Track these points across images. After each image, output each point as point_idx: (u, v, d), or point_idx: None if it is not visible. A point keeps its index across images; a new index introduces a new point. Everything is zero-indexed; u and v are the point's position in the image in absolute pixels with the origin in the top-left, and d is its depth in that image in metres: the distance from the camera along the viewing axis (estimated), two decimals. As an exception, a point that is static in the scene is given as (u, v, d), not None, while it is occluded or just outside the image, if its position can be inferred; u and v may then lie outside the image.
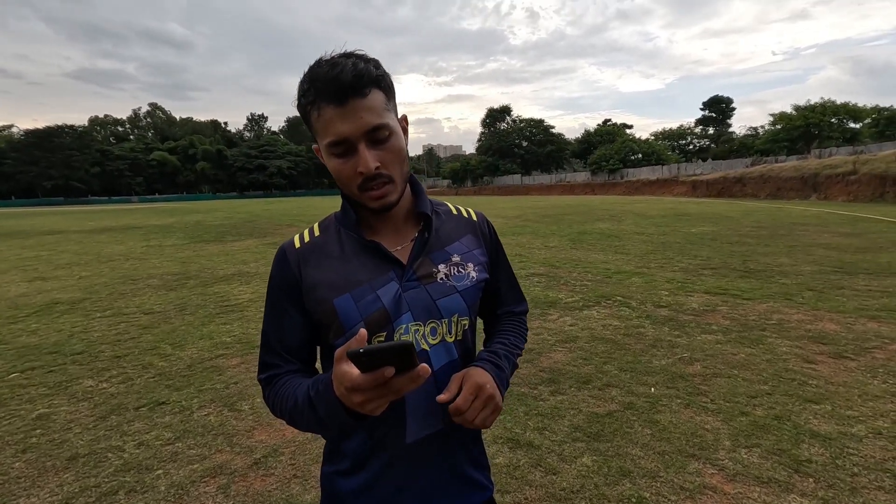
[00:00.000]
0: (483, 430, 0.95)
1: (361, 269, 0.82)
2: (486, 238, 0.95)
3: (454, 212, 0.95)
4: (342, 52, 0.76)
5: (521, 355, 0.97)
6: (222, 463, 2.44)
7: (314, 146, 0.83)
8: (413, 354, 0.58)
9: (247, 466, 2.41)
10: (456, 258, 0.87)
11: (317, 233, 0.89)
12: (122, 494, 2.21)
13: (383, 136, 0.75)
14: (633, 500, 2.07)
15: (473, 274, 0.87)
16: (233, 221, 19.69)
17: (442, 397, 0.77)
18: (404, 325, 0.80)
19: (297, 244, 0.87)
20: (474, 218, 0.96)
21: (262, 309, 5.15)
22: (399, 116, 0.83)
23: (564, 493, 2.14)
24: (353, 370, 0.60)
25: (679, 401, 2.95)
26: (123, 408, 3.09)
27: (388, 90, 0.78)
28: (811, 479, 2.15)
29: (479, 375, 0.79)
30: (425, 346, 0.81)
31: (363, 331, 0.62)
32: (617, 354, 3.75)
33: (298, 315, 0.84)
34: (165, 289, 6.77)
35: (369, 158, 0.74)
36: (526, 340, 1.01)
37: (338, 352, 0.63)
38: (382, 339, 0.80)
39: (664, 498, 2.07)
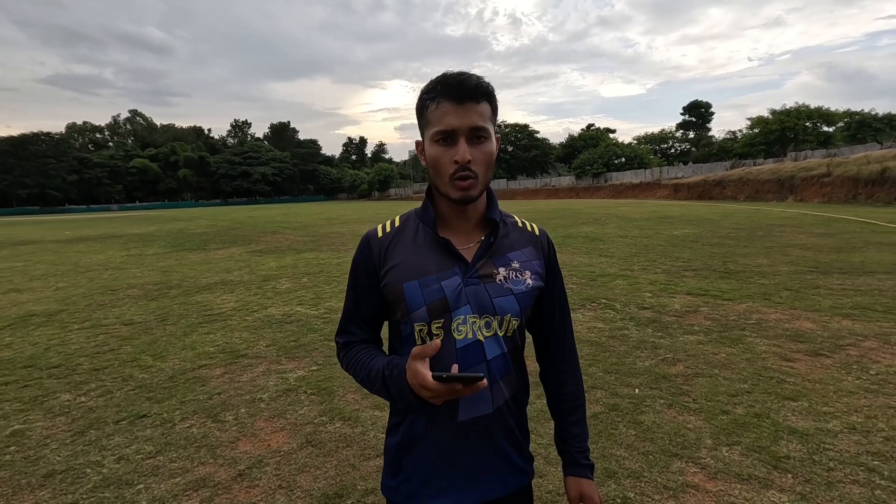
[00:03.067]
0: (525, 428, 1.07)
1: (431, 260, 0.93)
2: (545, 253, 1.04)
3: (520, 224, 1.06)
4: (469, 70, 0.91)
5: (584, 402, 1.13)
6: (205, 476, 2.40)
7: (417, 141, 0.97)
8: (479, 379, 0.74)
9: (230, 478, 2.37)
10: (515, 264, 0.97)
11: (397, 224, 1.01)
12: (101, 511, 2.15)
13: (482, 136, 0.89)
14: (618, 500, 2.09)
15: (529, 281, 0.96)
16: (216, 229, 19.41)
17: None
18: (462, 316, 0.90)
19: (380, 234, 1.00)
20: (537, 233, 1.06)
21: (246, 318, 5.10)
22: (496, 136, 0.96)
23: (551, 496, 2.15)
24: (428, 375, 0.77)
25: (662, 401, 3.00)
26: (102, 422, 3.01)
27: (495, 110, 0.94)
28: (789, 475, 2.20)
29: (593, 492, 1.03)
30: (480, 337, 0.91)
31: (437, 341, 0.81)
32: (602, 356, 3.79)
33: (373, 293, 0.98)
34: (146, 299, 6.63)
35: (466, 151, 0.86)
36: (583, 386, 1.13)
37: (414, 350, 0.81)
38: (440, 324, 0.90)
39: (648, 497, 2.10)
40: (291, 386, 3.46)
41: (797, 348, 3.79)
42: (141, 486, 2.33)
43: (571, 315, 1.16)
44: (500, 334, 0.92)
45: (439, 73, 0.90)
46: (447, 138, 0.87)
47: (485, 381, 0.75)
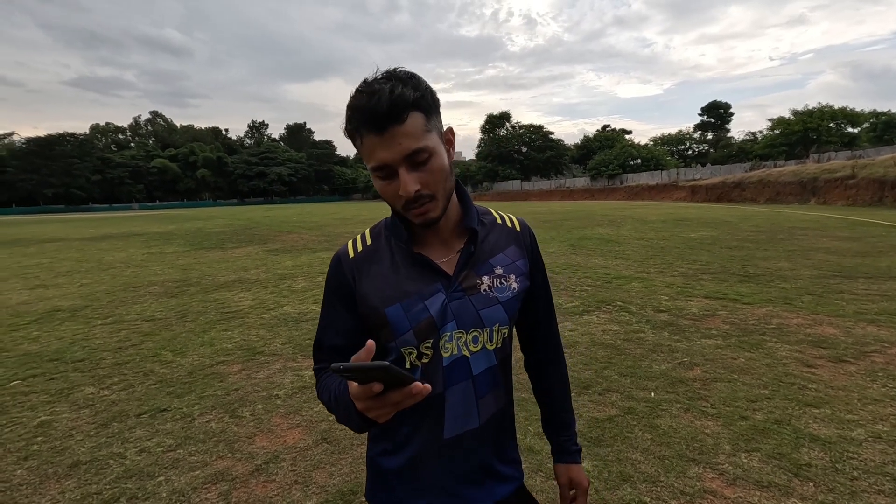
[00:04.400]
0: (513, 436, 1.04)
1: (411, 280, 0.87)
2: (528, 248, 0.99)
3: (499, 221, 0.99)
4: (384, 72, 0.77)
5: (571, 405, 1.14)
6: (223, 469, 2.45)
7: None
8: (392, 374, 0.62)
9: (248, 473, 2.41)
10: (499, 270, 0.92)
11: (368, 241, 0.94)
12: (124, 501, 2.21)
13: (423, 158, 0.77)
14: (634, 504, 2.07)
15: (515, 285, 0.92)
16: (233, 228, 19.74)
17: None
18: (448, 333, 0.86)
19: (351, 253, 0.93)
20: (517, 228, 0.99)
21: (263, 316, 5.17)
22: (444, 130, 0.85)
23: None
24: (351, 383, 0.65)
25: (679, 405, 2.96)
26: (125, 415, 3.09)
27: (429, 108, 0.79)
28: (811, 483, 2.15)
29: (581, 476, 1.04)
30: (466, 353, 0.87)
31: (371, 342, 0.64)
32: (617, 359, 3.76)
33: (350, 318, 0.91)
34: (166, 296, 6.78)
35: (409, 182, 0.77)
36: (569, 384, 1.14)
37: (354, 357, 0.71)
38: (429, 345, 0.85)
39: (664, 502, 2.08)
40: (307, 384, 3.51)
41: (819, 354, 3.70)
42: (161, 478, 2.39)
43: (585, 317, 1.15)
44: (490, 347, 0.88)
45: (354, 89, 0.77)
46: (385, 173, 0.78)
47: (419, 384, 0.63)
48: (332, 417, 2.97)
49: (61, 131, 70.54)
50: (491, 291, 0.89)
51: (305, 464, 2.49)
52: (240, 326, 5.08)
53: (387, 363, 0.60)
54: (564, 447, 1.06)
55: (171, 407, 3.19)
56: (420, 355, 0.86)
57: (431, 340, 0.85)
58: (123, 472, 2.44)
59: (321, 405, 3.10)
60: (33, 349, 4.52)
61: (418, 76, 0.79)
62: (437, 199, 0.81)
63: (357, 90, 0.77)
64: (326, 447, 2.64)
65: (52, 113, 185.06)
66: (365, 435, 1.01)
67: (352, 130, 0.78)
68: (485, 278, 0.89)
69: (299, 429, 2.86)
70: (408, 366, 0.86)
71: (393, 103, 0.73)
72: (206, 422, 2.98)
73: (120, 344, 4.61)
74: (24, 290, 7.62)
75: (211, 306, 6.04)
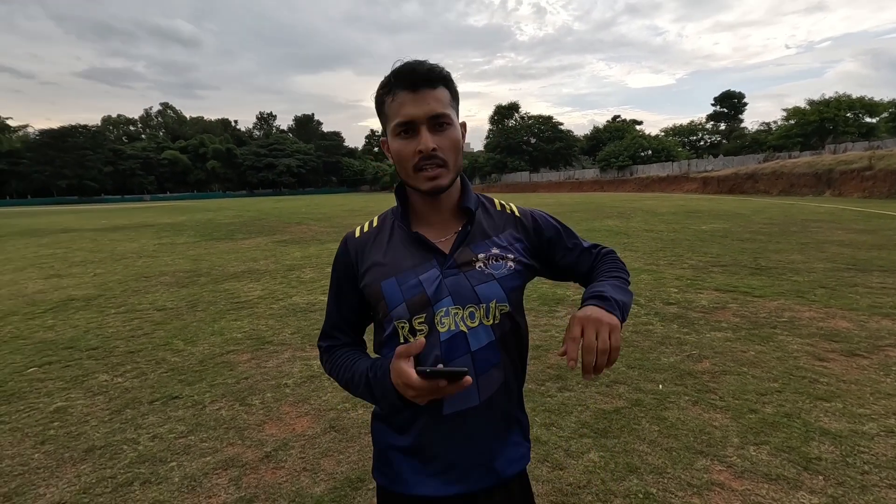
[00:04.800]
0: (520, 412, 1.00)
1: (407, 256, 0.91)
2: (530, 229, 1.00)
3: (498, 207, 1.03)
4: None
5: (628, 283, 0.95)
6: (234, 456, 2.49)
7: (382, 140, 0.95)
8: (464, 374, 0.71)
9: (258, 459, 2.45)
10: (495, 250, 0.94)
11: (375, 224, 1.00)
12: (137, 485, 2.27)
13: (444, 122, 0.86)
14: (640, 495, 2.07)
15: (511, 264, 0.94)
16: (243, 219, 19.89)
17: (560, 352, 0.76)
18: (444, 308, 0.87)
19: (358, 234, 0.99)
20: (517, 213, 1.02)
21: (272, 306, 5.22)
22: (460, 122, 0.93)
23: (571, 488, 2.15)
24: (412, 373, 0.74)
25: (687, 398, 2.95)
26: (138, 402, 3.15)
27: (454, 94, 0.90)
28: (821, 477, 2.14)
29: (584, 311, 0.79)
30: (464, 328, 0.88)
31: (422, 339, 0.77)
32: (625, 351, 3.74)
33: (354, 295, 0.97)
34: (177, 286, 6.87)
35: (429, 139, 0.84)
36: (626, 270, 1.01)
37: (398, 349, 0.77)
38: (422, 319, 0.88)
39: (671, 494, 2.08)
40: (315, 373, 3.54)
41: (832, 348, 3.65)
42: (174, 463, 2.44)
43: None
44: (487, 323, 0.89)
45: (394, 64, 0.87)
46: (408, 129, 0.85)
47: (469, 378, 0.72)
48: (341, 406, 2.99)
49: (74, 123, 71.34)
50: (486, 268, 0.91)
51: (314, 451, 2.52)
52: (249, 316, 5.14)
53: (466, 369, 0.72)
54: (595, 293, 0.85)
55: (182, 394, 3.25)
56: (413, 330, 0.88)
57: (424, 315, 0.87)
58: (137, 458, 2.49)
59: (328, 395, 3.15)
60: (49, 337, 4.62)
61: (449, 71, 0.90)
62: (449, 168, 0.87)
63: (399, 62, 0.87)
64: (334, 435, 2.67)
65: (65, 105, 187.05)
66: (370, 423, 1.02)
67: (385, 91, 0.87)
68: (480, 255, 0.92)
69: (307, 417, 2.90)
70: (401, 340, 0.88)
71: (430, 69, 0.85)
72: (217, 409, 3.02)
73: (132, 332, 4.68)
74: (39, 279, 7.77)
75: (221, 296, 6.12)
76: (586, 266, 1.04)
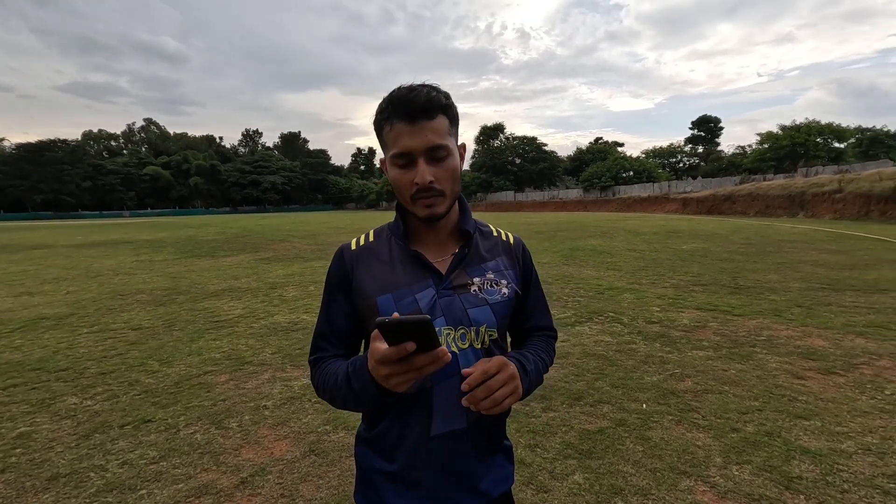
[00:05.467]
0: (505, 437, 1.02)
1: (404, 274, 0.92)
2: (520, 261, 1.02)
3: (494, 233, 1.05)
4: (421, 82, 0.87)
5: (545, 371, 1.01)
6: (208, 482, 2.39)
7: (381, 159, 0.95)
8: (431, 331, 0.65)
9: (233, 486, 2.36)
10: (490, 274, 0.95)
11: (371, 238, 1.00)
12: (104, 516, 2.15)
13: (441, 154, 0.86)
14: (625, 518, 2.05)
15: (505, 290, 0.95)
16: (225, 236, 19.60)
17: (466, 371, 0.83)
18: (437, 328, 0.86)
19: (354, 246, 0.99)
20: (511, 241, 1.04)
21: (253, 325, 5.09)
22: (459, 144, 0.94)
23: (556, 511, 2.11)
24: (382, 345, 0.69)
25: (671, 417, 2.95)
26: (108, 426, 3.02)
27: (454, 119, 0.90)
28: (802, 497, 2.14)
29: (504, 359, 0.85)
30: (454, 349, 0.88)
31: (396, 314, 0.70)
32: (609, 370, 3.75)
33: (347, 306, 0.96)
34: (154, 304, 6.69)
35: (426, 172, 0.84)
36: (552, 360, 1.06)
37: (374, 332, 0.73)
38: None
39: (656, 516, 2.05)
40: (296, 394, 3.46)
41: (809, 366, 3.72)
42: (144, 491, 2.32)
43: (577, 328, 1.14)
44: (476, 346, 0.90)
45: (395, 88, 0.87)
46: (405, 160, 0.85)
47: (447, 353, 0.68)
48: (321, 429, 2.92)
49: (53, 137, 69.99)
50: (480, 293, 0.93)
51: (292, 476, 2.44)
52: (229, 336, 5.01)
53: (428, 317, 0.64)
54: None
55: (155, 418, 3.12)
56: None
57: None
58: (104, 486, 2.37)
59: (309, 416, 3.07)
60: (15, 358, 4.42)
61: (449, 93, 0.89)
62: (446, 196, 0.88)
63: (398, 87, 0.86)
64: (314, 459, 2.59)
65: (44, 119, 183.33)
66: (353, 447, 1.00)
67: (382, 119, 0.87)
68: (476, 279, 0.93)
69: (287, 440, 2.81)
70: None
71: (428, 100, 0.83)
72: (192, 433, 2.91)
73: (105, 353, 4.52)
74: (8, 297, 7.48)
75: (200, 315, 5.96)
76: (529, 323, 1.06)
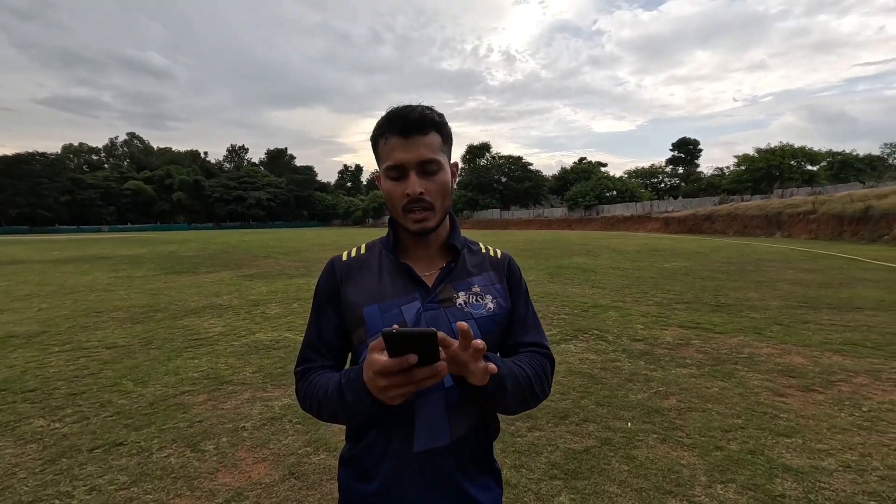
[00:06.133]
0: (493, 459, 1.00)
1: (391, 285, 0.93)
2: (508, 276, 1.02)
3: (483, 250, 1.06)
4: (418, 103, 0.91)
5: (530, 382, 0.89)
6: (181, 509, 2.28)
7: (375, 174, 0.99)
8: (436, 344, 0.65)
9: (207, 512, 2.26)
10: (476, 289, 0.96)
11: (363, 251, 1.02)
12: (67, 546, 2.03)
13: (433, 169, 0.89)
14: (612, 540, 2.02)
15: (490, 305, 0.95)
16: (207, 252, 19.26)
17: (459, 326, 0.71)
18: None
19: (345, 258, 1.01)
20: (499, 257, 1.05)
21: (233, 343, 4.97)
22: (451, 163, 0.96)
23: (542, 534, 2.07)
24: (382, 356, 0.69)
25: (655, 435, 2.95)
26: (76, 449, 2.88)
27: (447, 137, 0.93)
28: (786, 515, 2.14)
29: (488, 362, 0.77)
30: None
31: (395, 326, 0.72)
32: (594, 389, 3.74)
33: (337, 317, 0.96)
34: (131, 322, 6.49)
35: (416, 184, 0.87)
36: (544, 379, 0.93)
37: (372, 343, 0.72)
38: None
39: (642, 538, 2.03)
40: (276, 414, 3.36)
41: (789, 383, 3.77)
42: (112, 519, 2.21)
43: (563, 346, 1.13)
44: None
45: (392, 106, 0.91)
46: (398, 173, 0.88)
47: (444, 365, 0.68)
48: (302, 451, 2.83)
49: (31, 150, 68.55)
50: (465, 307, 0.93)
51: (270, 501, 2.35)
52: (208, 354, 4.88)
53: (434, 329, 0.64)
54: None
55: (127, 441, 2.99)
56: None
57: None
58: (69, 514, 2.25)
59: (289, 438, 2.98)
60: (-20, 378, 4.22)
61: (443, 115, 0.92)
62: (436, 210, 0.90)
63: (395, 106, 0.90)
64: (294, 483, 2.50)
65: (24, 132, 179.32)
66: (334, 469, 0.98)
67: (379, 134, 0.90)
68: (461, 293, 0.94)
69: (265, 463, 2.72)
70: None
71: (421, 116, 0.87)
72: (165, 456, 2.80)
73: (77, 372, 4.35)
74: (-24, 314, 7.18)
75: (178, 333, 5.80)
76: (530, 347, 0.98)
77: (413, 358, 0.65)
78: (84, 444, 2.95)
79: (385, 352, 0.69)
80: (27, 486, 2.49)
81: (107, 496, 2.39)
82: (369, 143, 0.95)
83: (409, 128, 0.86)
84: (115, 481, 2.53)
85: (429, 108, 0.90)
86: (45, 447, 2.92)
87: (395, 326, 0.67)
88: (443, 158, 0.91)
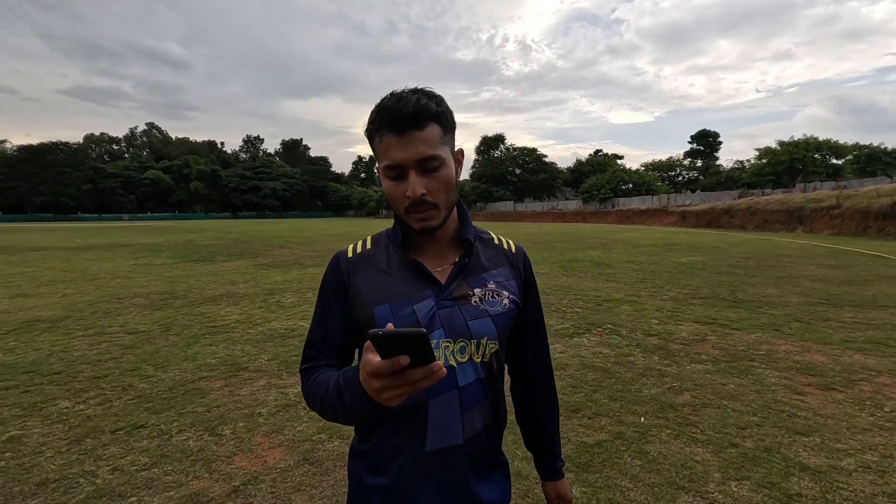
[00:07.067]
0: (501, 454, 1.02)
1: (402, 283, 0.88)
2: (522, 272, 0.99)
3: (496, 241, 1.01)
4: (413, 87, 0.83)
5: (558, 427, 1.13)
6: (199, 490, 2.35)
7: (377, 167, 0.91)
8: (427, 345, 0.62)
9: (224, 494, 2.32)
10: (491, 285, 0.92)
11: (369, 245, 0.97)
12: (92, 523, 2.11)
13: (433, 165, 0.82)
14: (623, 534, 2.02)
15: (506, 302, 0.92)
16: (224, 241, 19.58)
17: None
18: (436, 341, 0.84)
19: (350, 254, 0.96)
20: (513, 250, 1.00)
21: (249, 331, 5.06)
22: (455, 150, 0.90)
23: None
24: (375, 357, 0.65)
25: (669, 431, 2.92)
26: (99, 431, 2.98)
27: (447, 126, 0.85)
28: (802, 514, 2.12)
29: (567, 490, 1.07)
30: (453, 363, 0.85)
31: (390, 324, 0.67)
32: (607, 383, 3.72)
33: (342, 315, 0.92)
34: (151, 308, 6.65)
35: (417, 185, 0.81)
36: (558, 413, 1.13)
37: (367, 343, 0.68)
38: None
39: (654, 532, 2.02)
40: (291, 401, 3.42)
41: (808, 381, 3.70)
42: (134, 498, 2.29)
43: (576, 339, 1.14)
44: (476, 360, 0.87)
45: (384, 96, 0.82)
46: (396, 173, 0.82)
47: (442, 367, 0.64)
48: (316, 437, 2.88)
49: (55, 140, 70.17)
50: (481, 304, 0.89)
51: (285, 485, 2.40)
52: (225, 341, 4.98)
53: (424, 330, 0.61)
54: (554, 466, 1.07)
55: (148, 423, 3.09)
56: None
57: None
58: (94, 492, 2.33)
59: (304, 424, 3.04)
60: (8, 360, 4.38)
61: (441, 96, 0.84)
62: (440, 208, 0.85)
63: (386, 96, 0.82)
64: (308, 468, 2.56)
65: (47, 122, 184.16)
66: (347, 456, 0.98)
67: (373, 130, 0.83)
68: (477, 290, 0.90)
69: (281, 448, 2.77)
70: None
71: (416, 110, 0.79)
72: (185, 440, 2.88)
73: (100, 356, 4.48)
74: (4, 298, 7.43)
75: (196, 320, 5.93)
76: (532, 353, 1.04)
77: (404, 360, 0.63)
78: (107, 426, 3.05)
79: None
80: (54, 464, 2.59)
81: (129, 476, 2.47)
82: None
83: (404, 124, 0.79)
84: (136, 462, 2.61)
85: (425, 94, 0.81)
86: (71, 427, 3.03)
87: (391, 326, 0.65)
88: (444, 151, 0.83)
